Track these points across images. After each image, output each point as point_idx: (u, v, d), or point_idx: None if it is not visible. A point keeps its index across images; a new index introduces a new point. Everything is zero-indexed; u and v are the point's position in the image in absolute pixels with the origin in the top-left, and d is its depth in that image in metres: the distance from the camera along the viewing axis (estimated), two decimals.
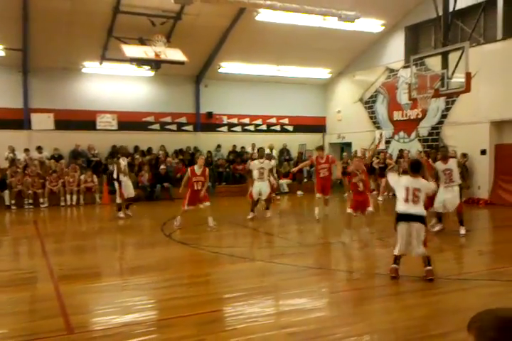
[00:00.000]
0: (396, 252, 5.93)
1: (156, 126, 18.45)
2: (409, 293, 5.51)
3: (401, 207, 5.82)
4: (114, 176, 11.86)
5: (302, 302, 5.20)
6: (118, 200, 11.81)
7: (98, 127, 17.51)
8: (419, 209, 5.78)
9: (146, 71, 15.96)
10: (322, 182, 10.89)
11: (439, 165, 8.78)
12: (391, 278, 5.92)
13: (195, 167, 10.09)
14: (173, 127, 18.77)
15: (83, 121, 17.04)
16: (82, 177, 15.38)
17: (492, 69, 13.33)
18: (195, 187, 9.93)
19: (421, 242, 5.79)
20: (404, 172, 6.62)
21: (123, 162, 11.84)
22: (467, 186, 13.19)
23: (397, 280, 5.91)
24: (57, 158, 16.36)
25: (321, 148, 11.52)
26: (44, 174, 15.22)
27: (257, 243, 9.20)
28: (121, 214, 11.71)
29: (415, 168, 5.98)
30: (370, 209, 8.67)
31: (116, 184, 11.84)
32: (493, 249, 8.37)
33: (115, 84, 17.73)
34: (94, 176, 15.60)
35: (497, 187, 13.72)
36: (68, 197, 15.00)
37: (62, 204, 14.90)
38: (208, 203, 10.12)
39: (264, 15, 14.66)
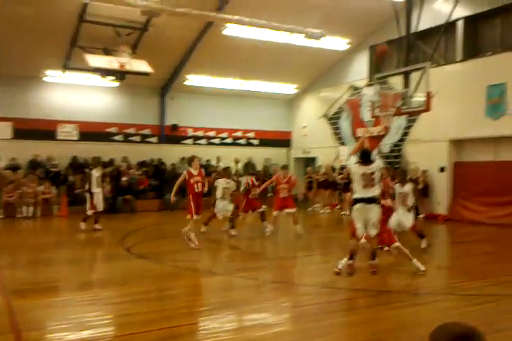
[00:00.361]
0: (359, 234, 6.48)
1: (119, 137, 18.18)
2: (370, 308, 5.54)
3: (358, 193, 6.44)
4: (86, 187, 11.55)
5: (264, 316, 5.14)
6: (88, 212, 11.44)
7: (59, 137, 17.09)
8: (375, 192, 6.47)
9: (111, 81, 15.74)
10: (282, 200, 10.77)
11: (397, 187, 8.92)
12: (347, 275, 6.41)
13: (191, 169, 9.57)
14: (137, 138, 18.54)
15: (43, 130, 16.59)
16: (40, 188, 14.91)
17: (451, 90, 13.79)
18: (196, 189, 9.35)
19: (375, 223, 6.41)
20: None
21: (96, 173, 11.52)
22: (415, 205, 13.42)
23: (357, 295, 5.95)
24: (14, 168, 15.82)
25: (285, 168, 11.49)
26: (0, 184, 14.68)
27: (220, 257, 9.10)
28: (83, 226, 11.37)
29: (366, 157, 6.60)
30: (397, 244, 7.06)
31: (87, 196, 11.51)
32: (451, 264, 8.57)
33: (78, 94, 17.39)
34: (53, 187, 15.17)
35: (455, 203, 14.10)
36: (25, 208, 14.50)
37: (19, 215, 14.38)
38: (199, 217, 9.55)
39: (231, 30, 14.78)
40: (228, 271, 7.35)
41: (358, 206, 6.47)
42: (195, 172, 9.50)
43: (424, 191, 14.11)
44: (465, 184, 13.94)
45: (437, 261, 8.66)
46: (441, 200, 14.33)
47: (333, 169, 17.28)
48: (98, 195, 11.49)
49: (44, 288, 6.25)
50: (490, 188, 13.08)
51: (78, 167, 16.65)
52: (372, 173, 6.46)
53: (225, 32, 14.99)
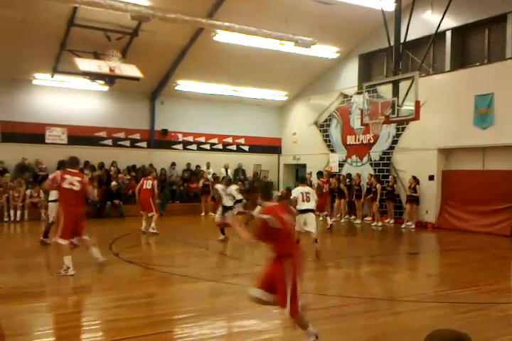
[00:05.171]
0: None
1: (109, 142, 18.07)
2: (360, 314, 5.54)
3: (300, 205, 8.98)
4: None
5: (253, 323, 5.11)
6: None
7: (47, 141, 16.95)
8: (311, 205, 9.14)
9: (100, 86, 15.66)
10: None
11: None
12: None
13: None
14: (127, 143, 18.44)
15: (31, 134, 16.45)
16: (28, 191, 14.76)
17: (440, 99, 13.94)
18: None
19: (313, 224, 9.05)
20: None
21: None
22: None
23: (347, 302, 5.95)
24: (1, 171, 15.65)
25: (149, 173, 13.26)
26: None
27: (209, 263, 9.03)
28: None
29: (303, 181, 10.02)
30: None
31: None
32: (439, 272, 8.60)
33: (67, 98, 17.26)
34: (41, 191, 15.02)
35: (444, 211, 14.19)
36: (12, 212, 14.34)
37: (6, 219, 14.20)
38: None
39: (222, 36, 14.79)
40: (217, 277, 7.31)
41: (300, 215, 8.84)
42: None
43: (413, 198, 14.23)
44: (453, 192, 14.04)
45: (426, 269, 8.70)
46: (430, 208, 14.42)
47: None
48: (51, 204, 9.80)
49: (31, 293, 6.16)
50: (478, 197, 13.19)
51: None
52: (308, 193, 9.26)
53: (215, 38, 15.00)
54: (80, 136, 17.25)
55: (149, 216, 12.02)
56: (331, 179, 16.39)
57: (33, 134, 16.53)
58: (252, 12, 14.11)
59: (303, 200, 9.03)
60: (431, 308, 5.87)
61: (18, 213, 14.40)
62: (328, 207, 16.11)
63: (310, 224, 8.99)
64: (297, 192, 9.19)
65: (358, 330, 4.99)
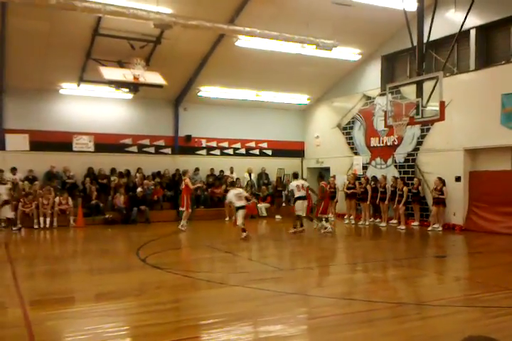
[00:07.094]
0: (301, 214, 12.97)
1: (134, 149, 18.33)
2: (388, 319, 5.47)
3: (298, 193, 12.75)
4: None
5: (279, 328, 5.10)
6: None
7: (74, 149, 17.30)
8: (304, 194, 12.81)
9: (125, 93, 15.92)
10: None
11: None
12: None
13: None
14: (151, 150, 18.68)
15: (59, 142, 16.82)
16: (57, 199, 15.08)
17: (465, 99, 13.71)
18: None
19: (305, 209, 12.99)
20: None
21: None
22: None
23: (374, 307, 5.89)
24: (31, 179, 16.04)
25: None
26: (17, 196, 14.87)
27: (234, 267, 9.06)
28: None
29: (295, 176, 13.95)
30: None
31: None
32: (468, 275, 8.43)
33: (93, 106, 17.62)
34: (69, 198, 15.33)
35: (471, 213, 13.92)
36: (42, 219, 14.65)
37: (36, 226, 14.53)
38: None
39: (243, 42, 14.88)
40: (242, 282, 7.32)
41: (299, 201, 12.85)
42: None
43: (440, 200, 13.98)
44: (481, 194, 13.76)
45: (455, 272, 8.55)
46: (458, 210, 14.15)
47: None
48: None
49: (60, 299, 6.29)
50: (506, 198, 12.90)
51: (94, 178, 16.85)
52: (303, 184, 13.01)
53: (237, 43, 15.11)
54: (106, 144, 17.56)
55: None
56: (356, 182, 16.38)
57: (61, 143, 16.90)
58: (273, 16, 14.17)
59: (299, 190, 12.76)
60: (460, 312, 5.76)
61: (48, 220, 14.70)
62: (352, 209, 16.18)
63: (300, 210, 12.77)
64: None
65: (385, 336, 4.93)
